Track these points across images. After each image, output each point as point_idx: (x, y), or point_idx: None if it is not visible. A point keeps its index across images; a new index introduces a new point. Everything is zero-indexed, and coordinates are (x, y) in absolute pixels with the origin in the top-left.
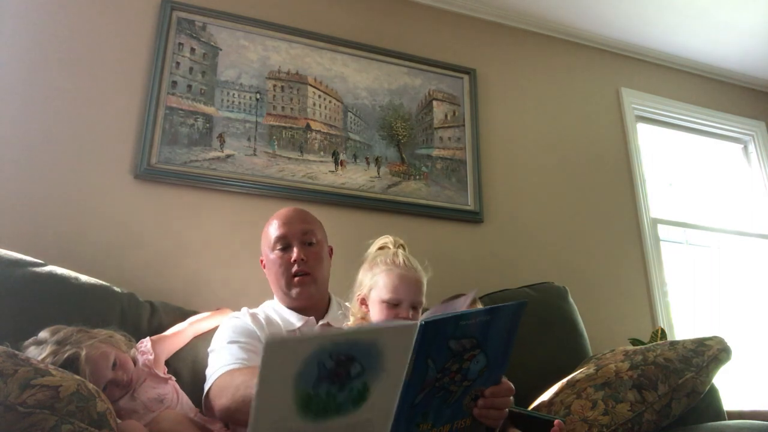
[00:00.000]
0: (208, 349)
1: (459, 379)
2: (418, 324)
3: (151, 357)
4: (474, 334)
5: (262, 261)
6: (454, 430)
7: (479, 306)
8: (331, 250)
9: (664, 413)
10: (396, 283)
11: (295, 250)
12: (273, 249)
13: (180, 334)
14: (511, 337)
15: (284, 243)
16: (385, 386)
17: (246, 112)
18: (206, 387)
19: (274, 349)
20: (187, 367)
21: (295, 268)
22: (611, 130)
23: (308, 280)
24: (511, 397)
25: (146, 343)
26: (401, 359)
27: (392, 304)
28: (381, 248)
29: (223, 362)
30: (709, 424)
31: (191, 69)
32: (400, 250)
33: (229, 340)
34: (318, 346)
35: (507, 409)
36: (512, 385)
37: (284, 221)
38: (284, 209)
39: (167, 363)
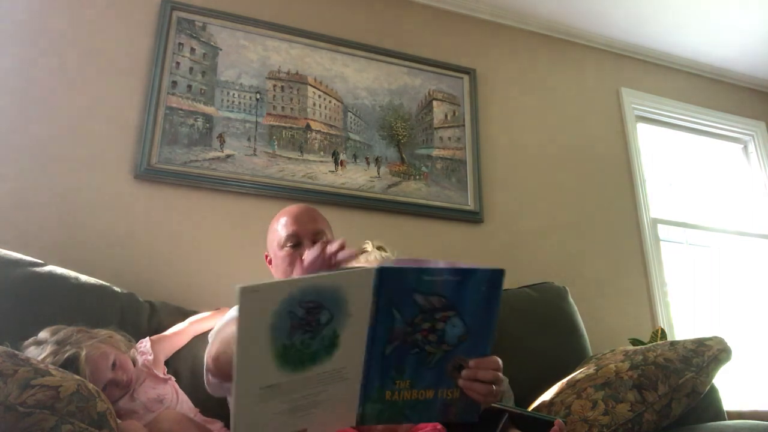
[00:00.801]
0: (209, 335)
1: (435, 340)
2: (375, 268)
3: (151, 357)
4: (443, 293)
5: (267, 256)
6: (439, 398)
7: None
8: None
9: (664, 413)
10: (287, 220)
11: (306, 249)
12: (282, 246)
13: (180, 334)
14: (492, 307)
15: (295, 240)
16: (353, 332)
17: (246, 112)
18: (205, 361)
19: (248, 295)
20: (187, 367)
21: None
22: (611, 130)
23: None
24: (500, 373)
25: (145, 343)
26: (364, 304)
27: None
28: (361, 252)
29: (217, 326)
30: (709, 424)
31: (191, 69)
32: (375, 250)
33: (230, 318)
34: (287, 294)
35: (494, 387)
36: (499, 360)
37: (295, 219)
38: (293, 206)
39: (167, 363)
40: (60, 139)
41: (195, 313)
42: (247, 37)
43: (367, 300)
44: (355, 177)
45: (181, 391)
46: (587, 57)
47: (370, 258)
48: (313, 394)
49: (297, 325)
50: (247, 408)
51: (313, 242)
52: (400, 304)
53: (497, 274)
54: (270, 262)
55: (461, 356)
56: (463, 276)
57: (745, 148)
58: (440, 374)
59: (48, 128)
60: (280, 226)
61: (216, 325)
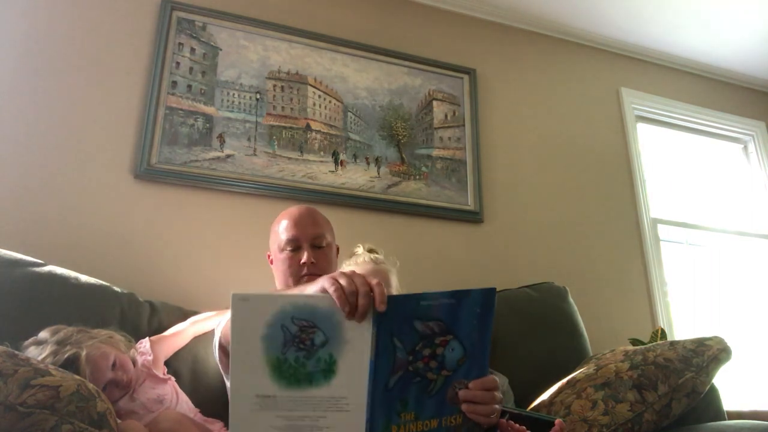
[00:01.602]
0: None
1: (435, 366)
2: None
3: (150, 358)
4: (440, 317)
5: (269, 256)
6: (444, 427)
7: None
8: (338, 249)
9: (664, 413)
10: (287, 223)
11: (305, 253)
12: (282, 249)
13: (180, 334)
14: (486, 326)
15: (294, 245)
16: (353, 362)
17: (246, 112)
18: (215, 339)
19: (239, 303)
20: (187, 367)
21: (304, 270)
22: (611, 130)
23: None
24: (499, 393)
25: (145, 343)
26: (362, 332)
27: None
28: (352, 255)
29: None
30: (709, 424)
31: (191, 69)
32: (365, 252)
33: None
34: (279, 308)
35: (496, 406)
36: (496, 378)
37: (295, 222)
38: (295, 208)
39: (167, 363)
40: (60, 138)
41: (195, 313)
42: (247, 37)
43: (365, 329)
44: (355, 177)
45: (181, 392)
46: (587, 57)
47: (359, 260)
48: (311, 417)
49: (290, 341)
50: (244, 412)
51: (313, 246)
52: (401, 332)
53: (490, 293)
54: (272, 262)
55: (461, 379)
56: (458, 298)
57: (745, 148)
58: (442, 401)
59: (48, 128)
60: (281, 229)
61: (221, 320)
